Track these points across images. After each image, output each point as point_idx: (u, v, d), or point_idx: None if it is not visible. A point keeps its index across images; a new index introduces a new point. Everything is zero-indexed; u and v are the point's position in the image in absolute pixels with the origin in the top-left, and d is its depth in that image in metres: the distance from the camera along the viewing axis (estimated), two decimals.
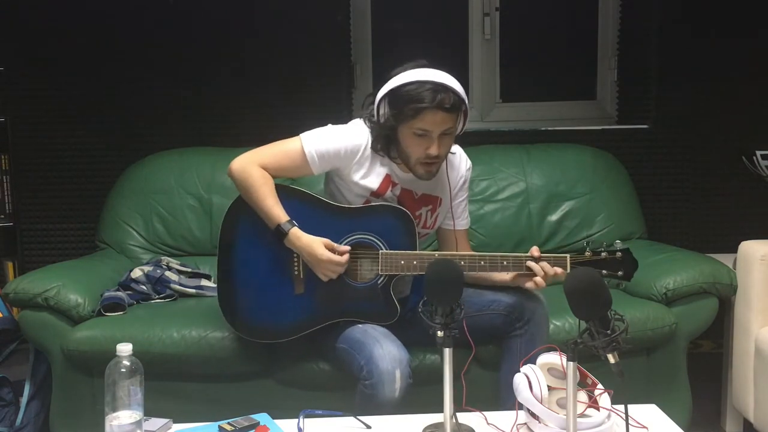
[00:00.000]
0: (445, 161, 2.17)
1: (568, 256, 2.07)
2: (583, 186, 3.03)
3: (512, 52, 3.56)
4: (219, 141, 3.20)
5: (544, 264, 2.05)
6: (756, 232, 2.72)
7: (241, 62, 3.29)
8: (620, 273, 2.03)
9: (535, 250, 2.07)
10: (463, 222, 2.32)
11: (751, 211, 3.31)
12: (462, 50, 3.54)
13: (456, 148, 2.28)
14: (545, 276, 2.05)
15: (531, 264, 2.06)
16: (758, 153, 2.82)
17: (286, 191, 2.15)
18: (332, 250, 2.08)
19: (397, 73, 2.07)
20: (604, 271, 2.03)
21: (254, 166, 2.13)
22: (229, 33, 3.27)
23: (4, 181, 3.21)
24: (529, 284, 2.07)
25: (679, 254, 2.71)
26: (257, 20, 3.26)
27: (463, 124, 2.11)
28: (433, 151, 2.06)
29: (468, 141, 3.16)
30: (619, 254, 2.03)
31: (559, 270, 2.05)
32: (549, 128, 3.35)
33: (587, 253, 2.05)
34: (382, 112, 2.09)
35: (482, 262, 2.08)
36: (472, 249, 2.42)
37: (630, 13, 3.43)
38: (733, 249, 2.59)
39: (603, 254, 2.04)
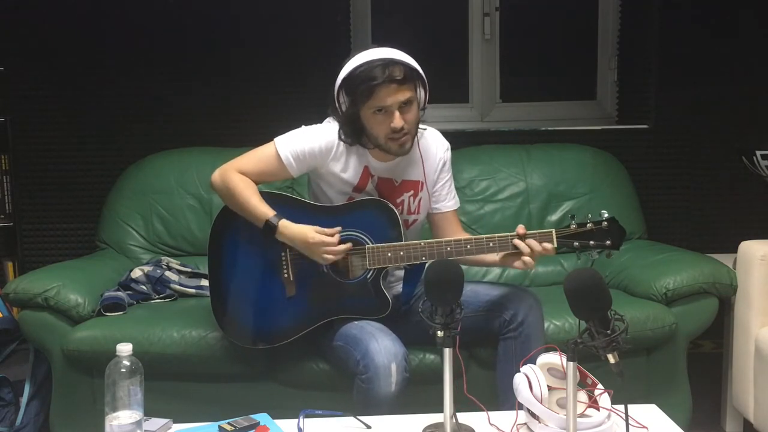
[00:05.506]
0: (417, 140, 2.17)
1: (553, 230, 2.05)
2: (583, 186, 3.03)
3: (512, 52, 3.56)
4: (219, 141, 3.19)
5: (531, 241, 2.03)
6: (756, 232, 2.72)
7: (241, 62, 3.28)
8: (608, 242, 2.01)
9: (520, 228, 2.05)
10: (449, 204, 2.32)
11: (751, 211, 3.31)
12: (462, 50, 3.54)
13: (432, 131, 2.30)
14: (533, 253, 2.03)
15: (517, 242, 2.04)
16: (758, 153, 2.81)
17: (267, 197, 2.17)
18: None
19: (348, 61, 2.10)
20: (592, 242, 2.01)
21: (233, 172, 2.18)
22: (229, 33, 3.27)
23: (4, 181, 3.21)
24: (517, 263, 2.06)
25: (679, 254, 2.71)
26: (257, 20, 3.26)
27: (426, 96, 2.12)
28: (396, 123, 2.06)
29: (468, 141, 3.20)
30: (605, 224, 2.01)
31: (548, 245, 2.02)
32: (549, 128, 3.35)
33: (572, 226, 2.02)
34: (342, 101, 2.11)
35: (468, 246, 2.08)
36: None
37: (630, 13, 3.43)
38: (733, 249, 2.59)
39: (589, 225, 2.02)
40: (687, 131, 3.33)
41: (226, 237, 2.24)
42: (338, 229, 2.10)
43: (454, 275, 1.70)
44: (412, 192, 2.25)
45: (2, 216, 3.21)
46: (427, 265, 2.02)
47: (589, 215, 2.05)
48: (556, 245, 2.03)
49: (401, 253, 2.09)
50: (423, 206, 2.28)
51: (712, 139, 3.32)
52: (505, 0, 3.49)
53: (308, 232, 2.08)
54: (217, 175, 2.21)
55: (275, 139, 2.19)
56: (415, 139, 2.17)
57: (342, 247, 2.09)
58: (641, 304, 2.45)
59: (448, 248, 2.07)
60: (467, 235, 2.19)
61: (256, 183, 2.19)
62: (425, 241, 2.11)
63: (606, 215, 2.02)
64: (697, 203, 3.36)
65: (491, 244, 2.07)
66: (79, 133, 3.29)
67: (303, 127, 2.22)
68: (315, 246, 2.08)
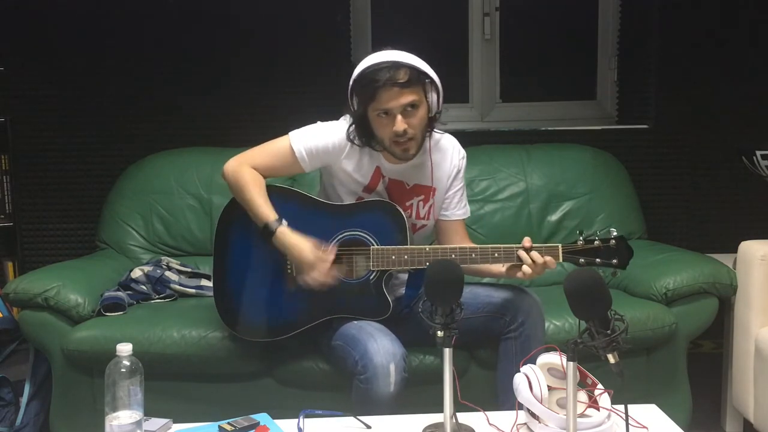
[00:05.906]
0: (430, 146, 2.17)
1: (559, 245, 2.05)
2: (583, 186, 3.03)
3: (512, 52, 3.56)
4: (219, 141, 3.19)
5: (534, 254, 2.03)
6: (756, 232, 2.72)
7: (241, 62, 3.28)
8: (614, 261, 2.00)
9: (526, 241, 2.05)
10: (459, 212, 2.31)
11: (751, 211, 3.31)
12: (462, 50, 3.54)
13: (448, 137, 2.30)
14: (534, 265, 2.02)
15: (521, 254, 2.04)
16: (758, 153, 2.81)
17: (276, 191, 2.18)
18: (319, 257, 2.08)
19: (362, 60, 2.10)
20: (598, 260, 2.00)
21: (246, 167, 2.17)
22: (229, 33, 3.27)
23: (4, 181, 3.21)
24: (518, 274, 2.06)
25: (679, 254, 2.71)
26: (257, 20, 3.26)
27: (438, 99, 2.10)
28: (398, 127, 2.04)
29: (468, 141, 3.17)
30: (613, 242, 2.00)
31: (548, 258, 2.02)
32: (549, 128, 3.35)
33: (579, 242, 2.02)
34: (353, 101, 2.11)
35: (473, 255, 2.07)
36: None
37: (630, 13, 3.43)
38: (733, 249, 2.59)
39: (596, 242, 2.01)
40: (687, 131, 3.33)
41: (232, 230, 2.24)
42: (334, 250, 2.09)
43: (454, 275, 1.69)
44: (422, 197, 2.24)
45: (2, 216, 3.21)
46: (425, 262, 2.03)
47: (597, 231, 2.04)
48: (561, 260, 2.03)
49: (405, 256, 2.09)
50: (433, 213, 2.28)
51: (712, 139, 3.32)
52: (505, 0, 3.49)
53: (305, 249, 2.07)
54: (229, 167, 2.19)
55: (290, 133, 2.19)
56: (426, 143, 2.17)
57: (329, 278, 2.07)
58: (641, 304, 2.45)
59: (453, 255, 2.06)
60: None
61: (268, 176, 2.19)
62: (430, 246, 2.11)
63: (615, 233, 2.01)
64: (697, 203, 3.36)
65: (496, 255, 2.07)
66: (79, 133, 3.29)
67: (318, 123, 2.22)
68: (307, 266, 2.07)
